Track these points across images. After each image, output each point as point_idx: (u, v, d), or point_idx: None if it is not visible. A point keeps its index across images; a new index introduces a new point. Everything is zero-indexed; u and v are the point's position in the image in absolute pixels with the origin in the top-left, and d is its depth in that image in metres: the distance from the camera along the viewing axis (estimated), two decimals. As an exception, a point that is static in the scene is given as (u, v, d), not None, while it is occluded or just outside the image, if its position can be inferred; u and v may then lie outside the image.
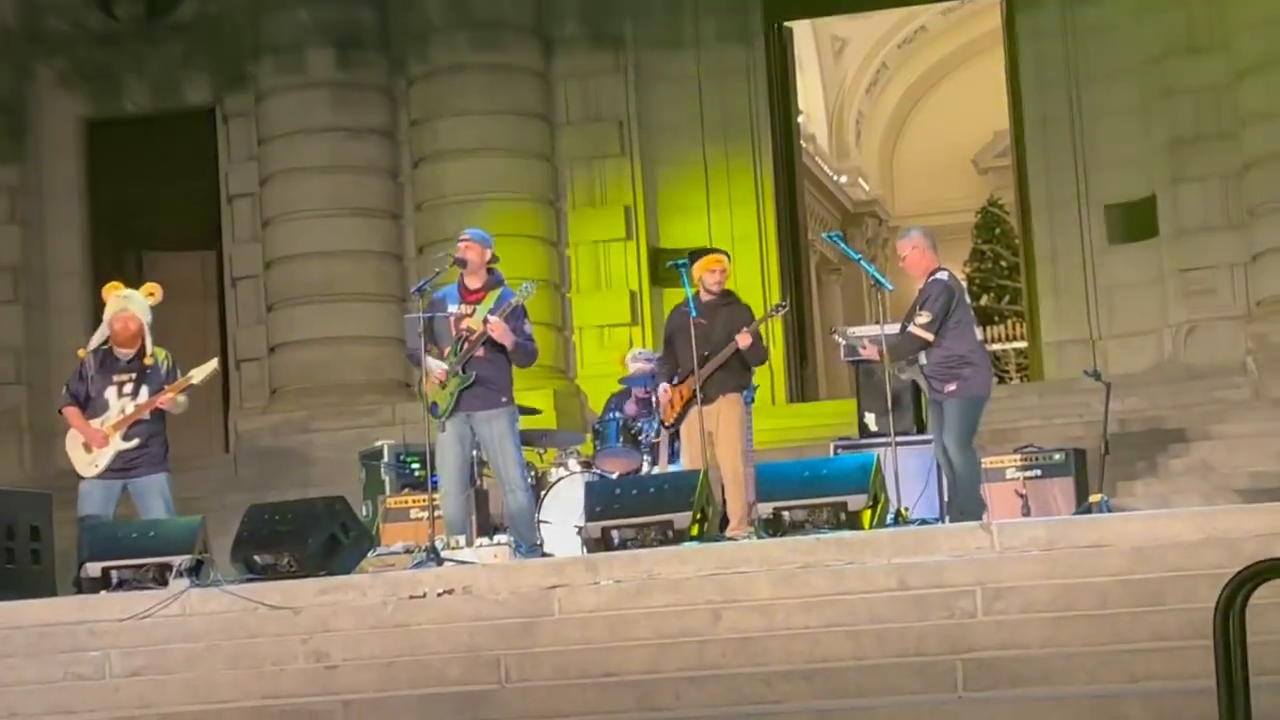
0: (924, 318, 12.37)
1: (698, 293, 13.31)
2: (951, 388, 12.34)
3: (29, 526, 12.53)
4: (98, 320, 13.28)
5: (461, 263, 12.46)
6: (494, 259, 12.64)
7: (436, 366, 12.29)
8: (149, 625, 10.79)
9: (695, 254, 13.87)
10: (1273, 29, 19.19)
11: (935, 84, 39.73)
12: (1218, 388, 18.78)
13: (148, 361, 12.78)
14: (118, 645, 10.60)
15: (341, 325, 21.01)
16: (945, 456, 12.49)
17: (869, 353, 12.98)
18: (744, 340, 12.88)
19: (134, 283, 13.66)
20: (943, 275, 12.60)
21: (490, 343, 12.26)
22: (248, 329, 22.17)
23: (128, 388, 12.74)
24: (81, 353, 13.07)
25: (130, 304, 12.86)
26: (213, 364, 12.81)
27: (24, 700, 10.18)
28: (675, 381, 13.21)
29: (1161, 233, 20.39)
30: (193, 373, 12.70)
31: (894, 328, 13.11)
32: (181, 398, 12.76)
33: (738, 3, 22.02)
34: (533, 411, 15.32)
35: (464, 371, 12.28)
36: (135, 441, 12.64)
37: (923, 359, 12.46)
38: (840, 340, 14.35)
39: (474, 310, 12.41)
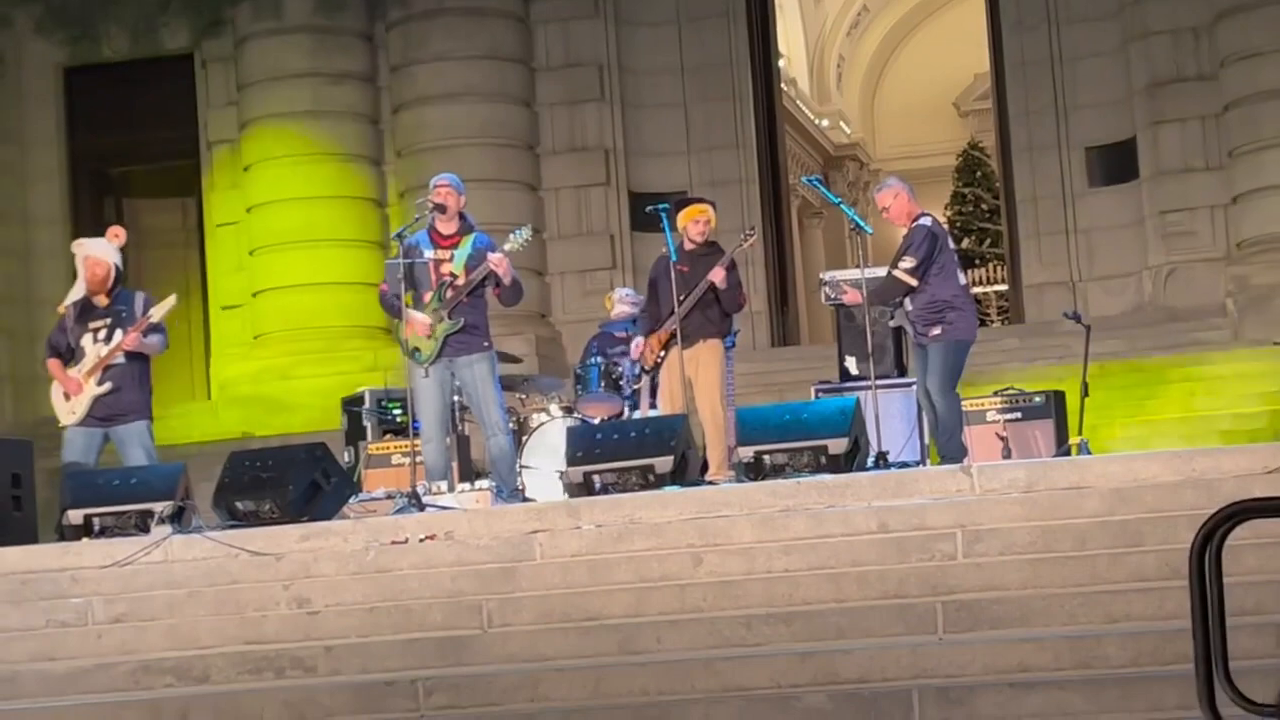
0: (908, 262, 12.39)
1: (681, 241, 13.32)
2: (936, 332, 12.37)
3: (10, 474, 12.53)
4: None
5: (441, 208, 12.46)
6: (464, 205, 12.67)
7: (419, 318, 12.29)
8: (131, 572, 10.80)
9: (680, 202, 13.87)
10: (1252, -31, 19.18)
11: (916, 27, 39.68)
12: (1197, 329, 18.85)
13: (104, 301, 12.71)
14: (100, 592, 10.62)
15: (323, 271, 20.97)
16: (928, 400, 12.53)
17: (850, 297, 13.00)
18: (716, 275, 12.89)
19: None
20: (926, 220, 12.62)
21: (477, 286, 12.29)
22: (229, 275, 22.13)
23: (102, 333, 12.74)
24: (61, 308, 13.07)
25: (92, 250, 12.85)
26: (170, 299, 12.81)
27: (6, 647, 10.20)
28: (656, 328, 13.23)
29: (1141, 175, 20.40)
30: (152, 311, 12.69)
31: (875, 271, 13.13)
32: (155, 338, 12.73)
33: (718, -55, 21.96)
34: (513, 359, 15.32)
35: (450, 317, 12.30)
36: (108, 386, 12.61)
37: (908, 304, 12.49)
38: (826, 287, 14.36)
39: (452, 255, 12.43)
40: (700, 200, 13.97)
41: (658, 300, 13.30)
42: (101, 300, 12.78)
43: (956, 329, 12.41)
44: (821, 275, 15.33)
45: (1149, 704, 7.68)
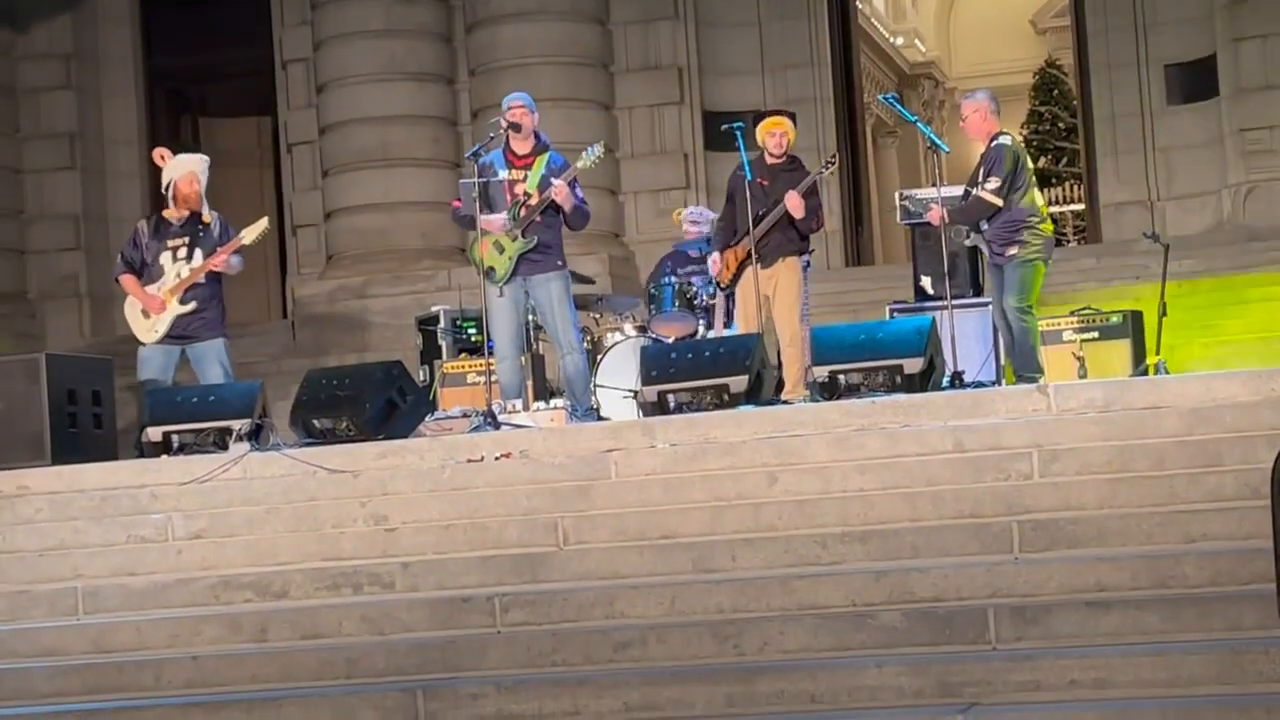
0: (993, 183, 12.32)
1: (761, 155, 13.28)
2: (1012, 251, 12.32)
3: (90, 391, 12.65)
4: (155, 186, 13.37)
5: (516, 127, 12.48)
6: (538, 124, 12.67)
7: (498, 218, 12.31)
8: (210, 489, 10.90)
9: (759, 115, 13.81)
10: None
11: (993, -57, 39.26)
12: (1277, 248, 18.64)
13: (207, 219, 12.87)
14: (179, 508, 10.73)
15: (397, 191, 20.99)
16: (1004, 319, 12.48)
17: (933, 215, 12.90)
18: (792, 202, 12.85)
19: (191, 149, 13.74)
20: (1006, 139, 12.55)
21: (548, 207, 12.31)
22: (303, 194, 22.20)
23: (181, 252, 12.85)
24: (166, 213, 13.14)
25: (195, 165, 12.96)
26: (263, 223, 12.91)
27: (88, 562, 10.32)
28: (732, 244, 13.20)
29: (1221, 93, 20.17)
30: (244, 233, 12.80)
31: (951, 191, 13.06)
32: (235, 259, 12.84)
33: None
34: (588, 280, 15.33)
35: (524, 236, 12.33)
36: (192, 305, 12.74)
37: (984, 223, 12.44)
38: (908, 205, 14.29)
39: (526, 175, 12.46)
40: (778, 112, 13.88)
41: (734, 215, 13.26)
42: (180, 216, 12.87)
43: (1032, 248, 12.36)
44: (899, 194, 15.26)
45: (1226, 623, 7.66)
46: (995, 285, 12.63)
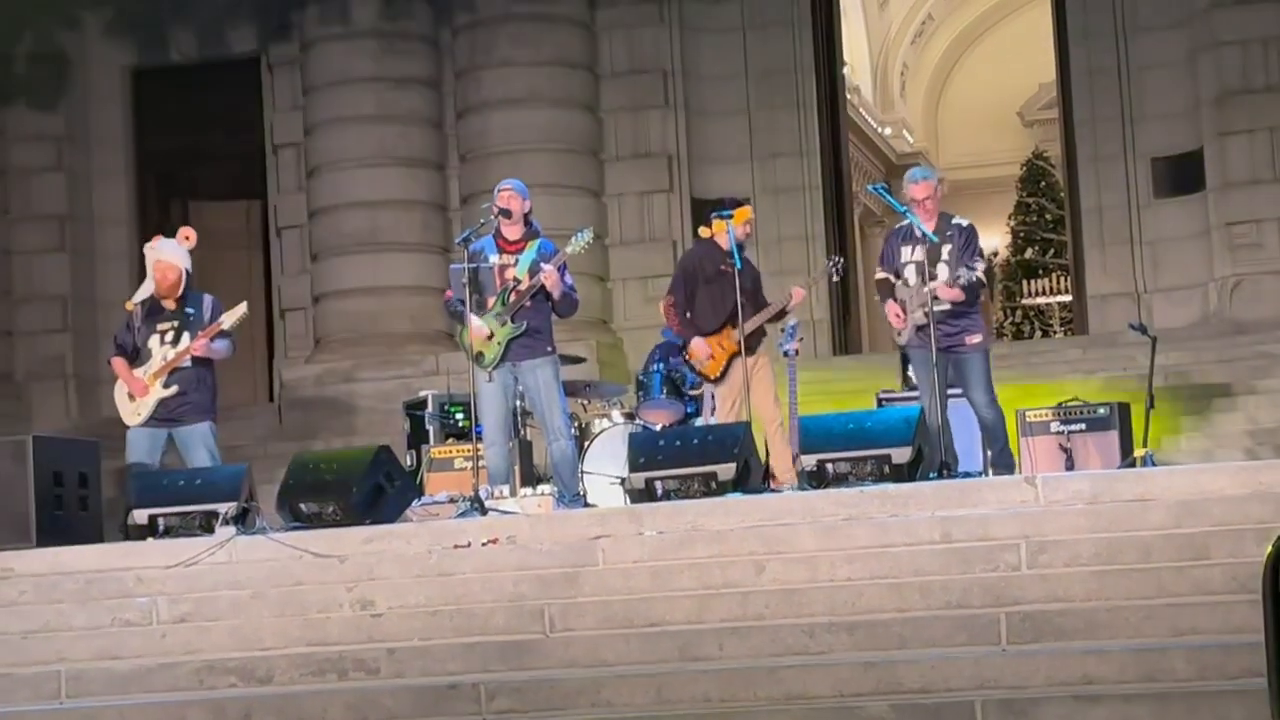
0: (981, 264, 12.36)
1: (741, 243, 13.34)
2: (976, 339, 12.33)
3: (77, 474, 12.62)
4: (143, 269, 13.34)
5: (506, 213, 12.51)
6: (530, 210, 12.71)
7: (478, 325, 12.33)
8: (195, 572, 10.87)
9: (733, 203, 13.80)
10: (1325, -22, 19.06)
11: (981, 35, 39.52)
12: (1263, 342, 18.70)
13: (172, 307, 12.82)
14: (165, 592, 10.69)
15: (386, 275, 21.04)
16: (978, 409, 12.47)
17: (953, 295, 12.50)
18: (799, 295, 13.04)
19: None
20: (967, 222, 12.56)
21: (538, 292, 12.33)
22: (292, 278, 22.23)
23: (169, 336, 12.82)
24: (129, 305, 13.16)
25: (163, 254, 12.93)
26: (241, 308, 12.88)
27: (72, 645, 10.27)
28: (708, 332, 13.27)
29: (1208, 186, 20.27)
30: (223, 318, 12.78)
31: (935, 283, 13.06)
32: (220, 344, 12.81)
33: (782, -47, 21.93)
34: (577, 360, 15.34)
35: (513, 321, 12.34)
36: (175, 389, 12.69)
37: (946, 305, 12.35)
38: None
39: (516, 260, 12.48)
40: (745, 202, 13.98)
41: (692, 297, 13.34)
42: (169, 303, 12.88)
43: (988, 336, 12.44)
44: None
45: (1215, 718, 7.65)
46: (957, 374, 12.48)
